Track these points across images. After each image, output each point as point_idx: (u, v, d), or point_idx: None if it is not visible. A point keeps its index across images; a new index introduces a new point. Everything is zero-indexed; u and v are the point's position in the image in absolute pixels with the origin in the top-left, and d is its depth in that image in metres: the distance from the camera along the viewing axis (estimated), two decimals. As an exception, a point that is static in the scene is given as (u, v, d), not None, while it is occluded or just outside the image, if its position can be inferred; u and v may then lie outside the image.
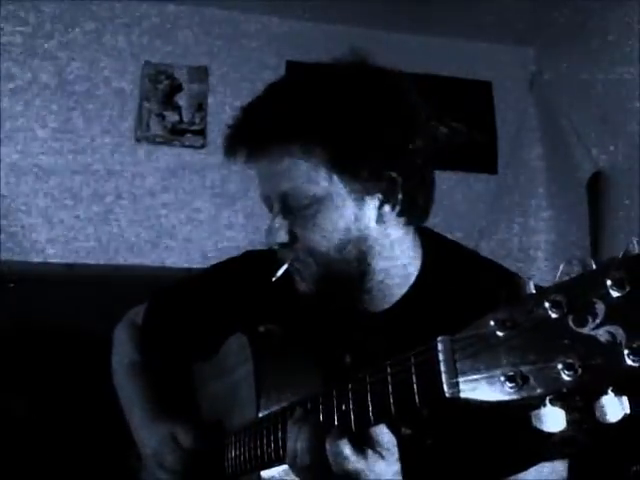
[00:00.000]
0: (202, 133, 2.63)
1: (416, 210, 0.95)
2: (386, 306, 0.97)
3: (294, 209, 0.92)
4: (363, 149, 0.89)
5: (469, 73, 2.85)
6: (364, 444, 0.71)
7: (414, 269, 0.97)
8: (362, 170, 0.89)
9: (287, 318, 1.03)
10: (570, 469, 0.88)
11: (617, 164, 2.44)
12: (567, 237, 2.52)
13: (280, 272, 0.96)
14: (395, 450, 0.73)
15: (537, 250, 2.56)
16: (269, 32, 2.76)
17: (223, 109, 2.65)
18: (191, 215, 2.57)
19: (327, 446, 0.71)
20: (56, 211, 2.46)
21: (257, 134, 0.92)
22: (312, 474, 0.75)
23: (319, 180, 0.90)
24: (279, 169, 0.91)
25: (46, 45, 2.55)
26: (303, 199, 0.90)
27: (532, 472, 0.85)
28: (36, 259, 2.40)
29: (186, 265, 2.47)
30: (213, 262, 1.27)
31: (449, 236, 1.04)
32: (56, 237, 2.44)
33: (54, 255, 2.42)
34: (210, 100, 2.66)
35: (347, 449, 0.70)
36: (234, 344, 1.06)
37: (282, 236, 0.94)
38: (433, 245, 0.99)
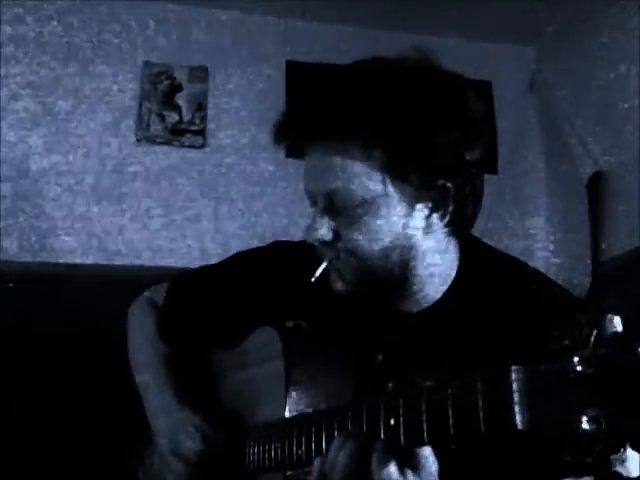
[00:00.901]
0: (202, 133, 2.63)
1: (464, 221, 0.93)
2: (421, 308, 0.96)
3: (341, 208, 0.89)
4: (422, 156, 0.87)
5: (469, 73, 2.83)
6: (405, 463, 0.70)
7: (452, 272, 0.96)
8: (416, 176, 0.87)
9: (317, 314, 1.01)
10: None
11: (617, 164, 2.43)
12: (567, 237, 2.52)
13: (319, 271, 0.94)
14: (436, 474, 0.71)
15: (537, 250, 2.56)
16: (269, 32, 2.76)
17: (223, 109, 2.65)
18: (191, 215, 2.57)
19: (373, 463, 0.69)
20: (56, 211, 2.45)
21: (317, 126, 0.89)
22: None
23: (372, 183, 0.87)
24: (332, 166, 0.88)
25: (46, 45, 2.55)
26: (352, 199, 0.88)
27: None
28: (36, 259, 2.39)
29: (186, 265, 2.46)
30: (213, 262, 1.25)
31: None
32: (56, 237, 2.43)
33: (54, 255, 2.41)
34: (210, 100, 2.66)
35: (394, 469, 0.69)
36: (262, 337, 1.03)
37: (325, 233, 0.91)
38: (471, 249, 0.98)
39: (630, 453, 0.49)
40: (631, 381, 0.48)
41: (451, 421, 0.62)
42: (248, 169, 2.60)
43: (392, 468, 0.69)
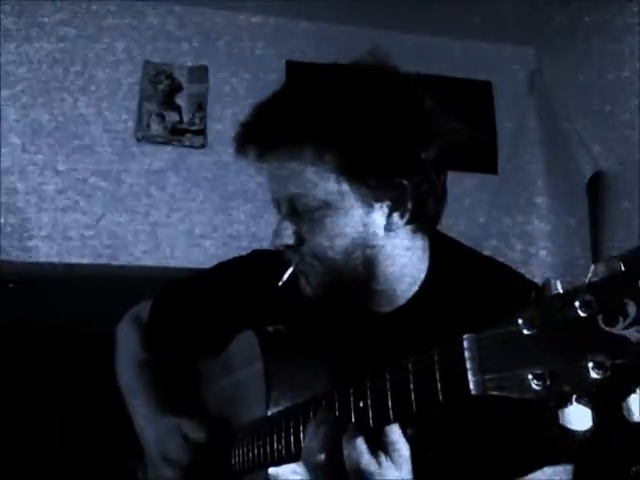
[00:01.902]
0: (202, 133, 2.63)
1: (426, 218, 0.94)
2: (394, 307, 0.97)
3: (302, 212, 0.92)
4: (374, 156, 0.89)
5: (469, 73, 2.85)
6: (378, 448, 0.71)
7: (422, 271, 0.97)
8: (372, 177, 0.89)
9: (295, 318, 1.03)
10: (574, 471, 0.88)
11: (617, 164, 2.44)
12: (567, 237, 2.52)
13: (286, 276, 0.97)
14: (408, 458, 0.72)
15: (537, 250, 2.56)
16: (269, 32, 2.76)
17: (223, 109, 2.65)
18: (191, 215, 2.57)
19: (344, 443, 0.71)
20: (56, 211, 2.45)
21: (269, 135, 0.92)
22: (325, 473, 0.75)
23: (328, 185, 0.90)
24: (289, 172, 0.91)
25: (46, 45, 2.55)
26: (311, 203, 0.90)
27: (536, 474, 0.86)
28: (36, 259, 2.39)
29: (186, 265, 2.46)
30: (213, 262, 1.26)
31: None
32: (56, 237, 2.43)
33: (54, 255, 2.42)
34: (210, 100, 2.66)
35: (363, 447, 0.70)
36: (242, 342, 1.05)
37: (289, 238, 0.94)
38: (441, 248, 0.99)
39: (578, 407, 0.50)
40: (569, 336, 0.50)
41: (413, 396, 0.64)
42: (248, 169, 2.60)
43: (361, 445, 0.70)
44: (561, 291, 0.52)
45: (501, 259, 1.04)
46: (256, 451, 0.91)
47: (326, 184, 0.90)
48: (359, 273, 0.94)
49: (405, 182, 0.89)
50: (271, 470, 0.89)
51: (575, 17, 2.60)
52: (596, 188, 2.49)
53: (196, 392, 1.19)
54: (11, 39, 2.51)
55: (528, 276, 0.99)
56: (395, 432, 0.71)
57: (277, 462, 0.86)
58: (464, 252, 1.02)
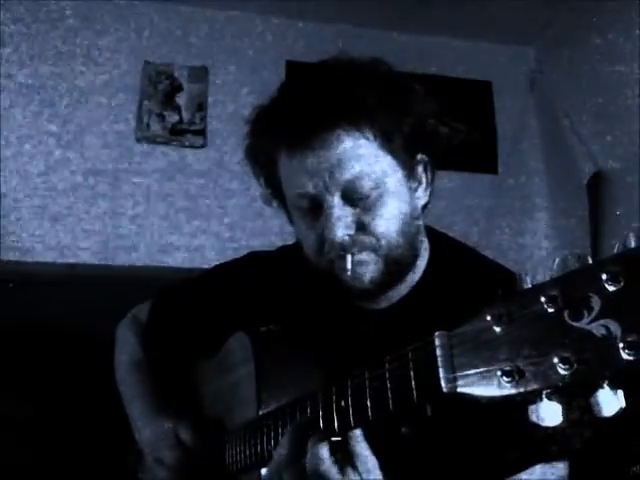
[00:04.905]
0: (202, 133, 2.63)
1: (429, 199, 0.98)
2: (390, 303, 0.97)
3: (360, 195, 0.88)
4: (406, 133, 0.90)
5: (469, 73, 2.85)
6: (344, 459, 0.71)
7: (421, 266, 0.97)
8: (407, 154, 0.91)
9: (289, 318, 1.03)
10: (570, 469, 0.88)
11: (617, 164, 2.44)
12: (567, 237, 2.52)
13: (349, 265, 0.89)
14: (376, 471, 0.72)
15: (537, 250, 2.56)
16: (269, 32, 2.76)
17: (223, 109, 2.65)
18: (191, 215, 2.57)
19: (308, 448, 0.71)
20: (56, 211, 2.46)
21: (311, 121, 0.87)
22: (286, 472, 0.75)
23: (380, 160, 0.89)
24: (340, 153, 0.87)
25: (46, 45, 2.55)
26: (368, 183, 0.87)
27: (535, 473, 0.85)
28: (36, 259, 2.39)
29: (186, 265, 2.46)
30: (212, 262, 1.27)
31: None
32: (56, 237, 2.44)
33: (54, 255, 2.42)
34: (210, 100, 2.66)
35: (326, 453, 0.71)
36: (236, 343, 1.06)
37: (349, 227, 0.88)
38: (438, 243, 0.99)
39: (549, 403, 0.50)
40: (537, 331, 0.50)
41: (389, 394, 0.64)
42: (248, 169, 2.60)
43: (323, 451, 0.70)
44: (530, 286, 0.52)
45: (501, 259, 1.04)
46: (248, 452, 0.92)
47: (378, 160, 0.88)
48: (410, 252, 0.93)
49: (426, 158, 0.93)
50: (264, 470, 0.88)
51: (575, 17, 2.60)
52: (596, 188, 2.49)
53: (192, 393, 1.20)
54: (11, 39, 2.51)
55: (523, 271, 0.98)
56: (360, 443, 0.72)
57: (269, 462, 0.86)
58: (458, 248, 1.02)
